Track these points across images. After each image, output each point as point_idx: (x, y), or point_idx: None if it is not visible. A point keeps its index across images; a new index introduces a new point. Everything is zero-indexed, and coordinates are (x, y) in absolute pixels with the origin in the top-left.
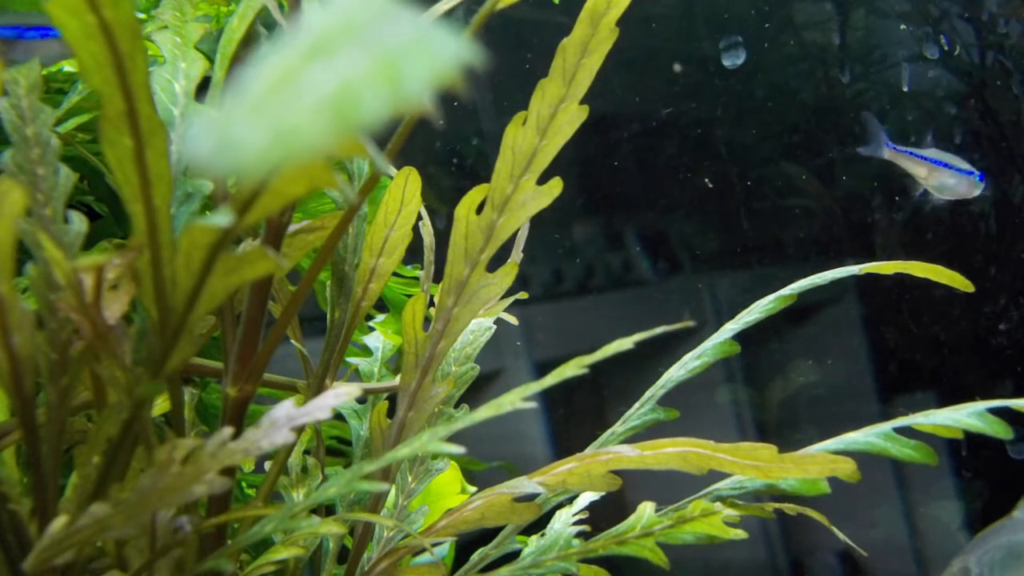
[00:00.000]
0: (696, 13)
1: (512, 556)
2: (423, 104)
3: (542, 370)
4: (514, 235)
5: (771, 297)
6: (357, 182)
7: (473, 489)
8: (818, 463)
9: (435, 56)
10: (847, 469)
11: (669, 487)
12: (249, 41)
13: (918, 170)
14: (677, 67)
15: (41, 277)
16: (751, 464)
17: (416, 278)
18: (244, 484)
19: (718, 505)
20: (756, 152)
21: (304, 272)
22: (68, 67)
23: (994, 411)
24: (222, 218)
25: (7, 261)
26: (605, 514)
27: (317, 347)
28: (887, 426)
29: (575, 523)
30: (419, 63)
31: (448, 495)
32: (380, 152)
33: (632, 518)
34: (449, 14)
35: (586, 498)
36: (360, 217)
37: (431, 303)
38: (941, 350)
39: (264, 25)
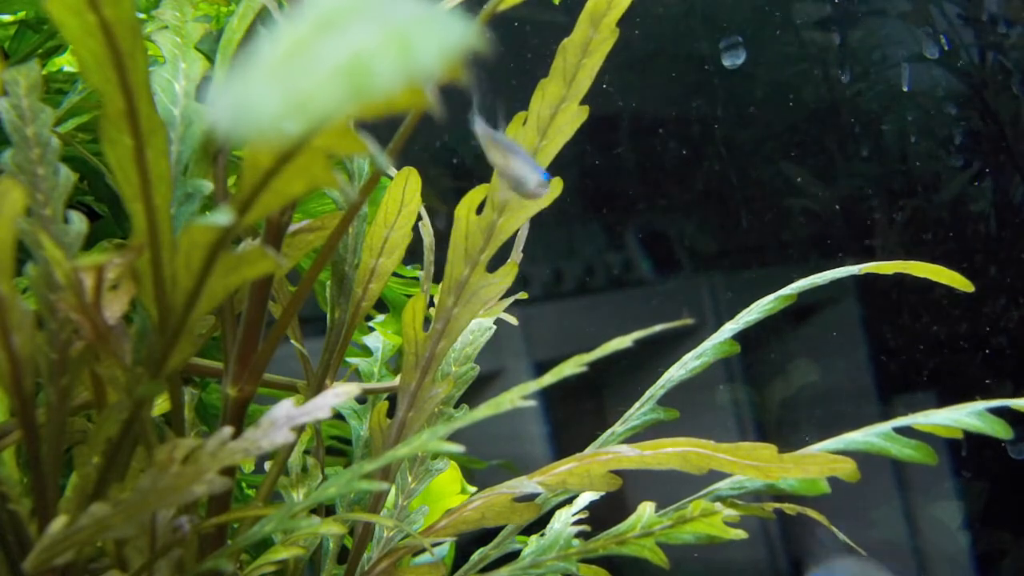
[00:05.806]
0: (696, 13)
1: (512, 556)
2: (430, 82)
3: (542, 370)
4: (514, 235)
5: (771, 297)
6: (357, 182)
7: (473, 489)
8: (818, 463)
9: (443, 33)
10: (847, 469)
11: (669, 487)
12: (249, 41)
13: None
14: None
15: (41, 277)
16: (751, 464)
17: (416, 278)
18: (244, 484)
19: (718, 505)
20: (756, 152)
21: (304, 272)
22: (68, 67)
23: (994, 411)
24: (222, 217)
25: (7, 261)
26: (605, 514)
27: (317, 347)
28: (887, 426)
29: (575, 523)
30: (428, 38)
31: (448, 495)
32: (381, 151)
33: (632, 518)
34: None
35: (586, 498)
36: (360, 217)
37: (431, 303)
38: (941, 350)
39: (264, 26)
